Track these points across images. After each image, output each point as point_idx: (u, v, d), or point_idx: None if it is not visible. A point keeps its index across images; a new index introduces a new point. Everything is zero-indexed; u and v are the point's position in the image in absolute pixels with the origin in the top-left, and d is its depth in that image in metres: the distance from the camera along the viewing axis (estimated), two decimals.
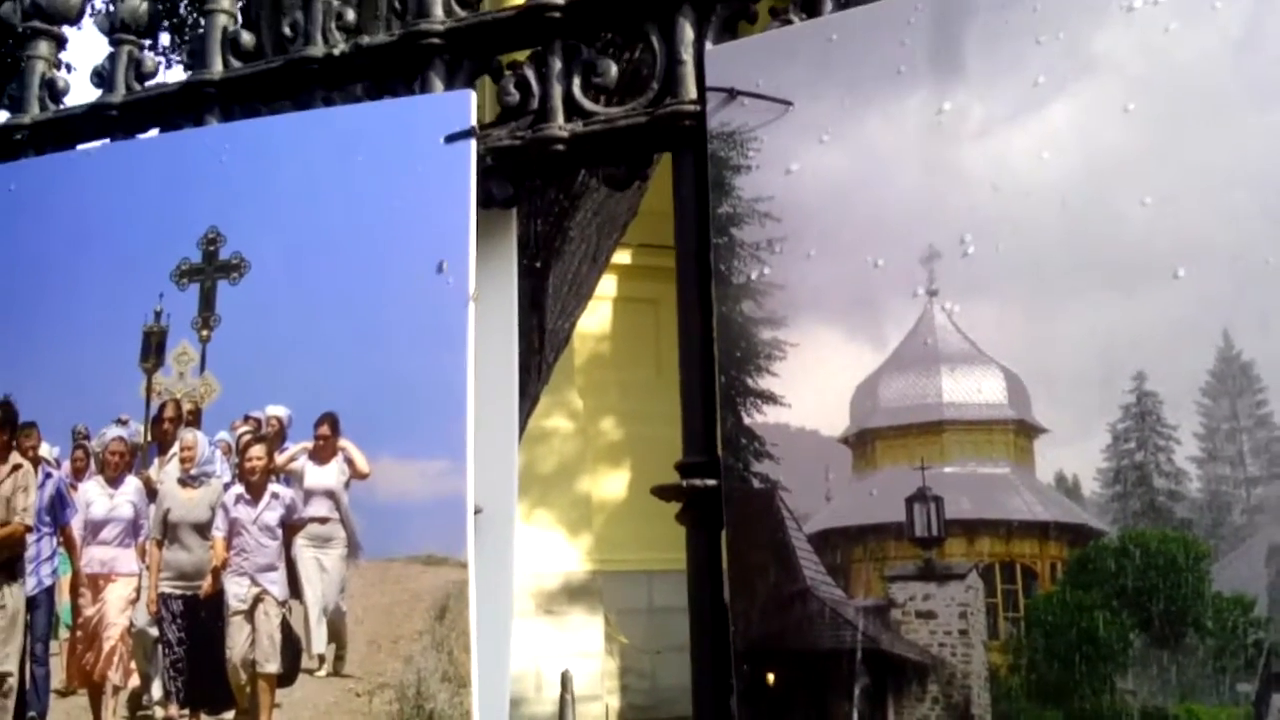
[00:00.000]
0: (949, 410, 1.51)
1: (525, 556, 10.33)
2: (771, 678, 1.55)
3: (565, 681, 1.80)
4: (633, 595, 10.19)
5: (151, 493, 1.94)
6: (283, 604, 1.82)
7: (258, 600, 1.82)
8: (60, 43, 2.48)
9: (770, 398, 1.62)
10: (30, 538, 2.02)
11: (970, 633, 1.44)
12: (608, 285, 11.76)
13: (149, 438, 1.98)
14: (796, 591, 1.55)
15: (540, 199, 4.32)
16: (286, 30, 2.18)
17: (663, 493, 1.70)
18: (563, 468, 11.07)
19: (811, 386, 1.60)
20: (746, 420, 1.62)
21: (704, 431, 1.68)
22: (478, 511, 1.78)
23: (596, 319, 11.82)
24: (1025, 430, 1.45)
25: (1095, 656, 1.37)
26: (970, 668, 1.43)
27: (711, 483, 1.64)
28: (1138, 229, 1.43)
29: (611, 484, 11.39)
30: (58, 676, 1.97)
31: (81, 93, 2.52)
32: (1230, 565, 1.33)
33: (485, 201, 1.92)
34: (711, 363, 1.68)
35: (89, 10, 2.47)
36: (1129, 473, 1.39)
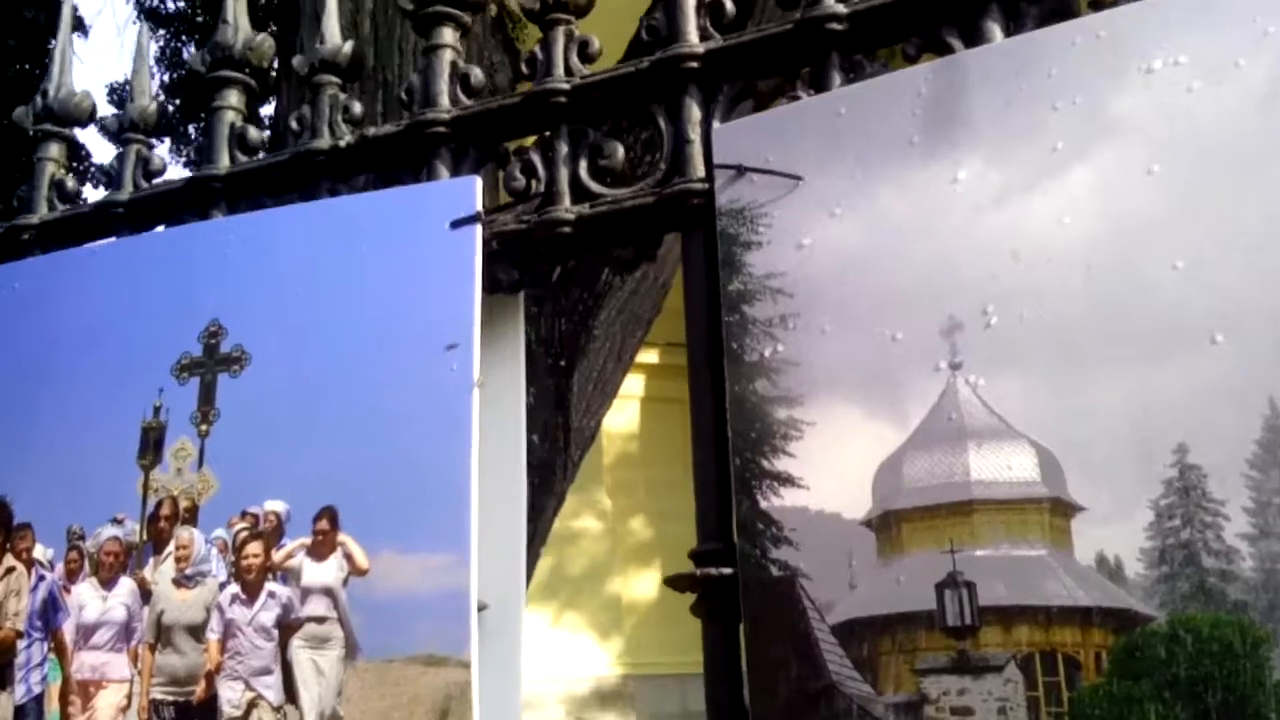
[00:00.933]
0: (978, 489, 1.42)
1: (555, 661, 10.13)
2: None
3: None
4: (665, 699, 9.95)
5: (146, 594, 1.86)
6: (278, 710, 1.72)
7: (252, 706, 1.72)
8: (71, 145, 2.49)
9: (787, 480, 1.53)
10: (21, 643, 1.93)
11: None
12: (635, 384, 11.76)
13: (145, 537, 1.91)
14: (821, 688, 1.45)
15: (565, 298, 4.31)
16: (293, 124, 2.17)
17: (676, 583, 1.61)
18: (592, 569, 10.95)
19: (831, 467, 1.51)
20: (763, 504, 1.54)
21: (719, 517, 1.60)
22: (483, 608, 1.70)
23: (624, 418, 11.79)
24: (1061, 508, 1.36)
25: None
26: None
27: (727, 571, 1.55)
28: (1169, 294, 1.36)
29: (642, 585, 11.21)
30: None
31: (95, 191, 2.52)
32: None
33: (491, 287, 1.88)
34: (725, 445, 1.61)
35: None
36: (1175, 552, 1.29)
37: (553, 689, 10.21)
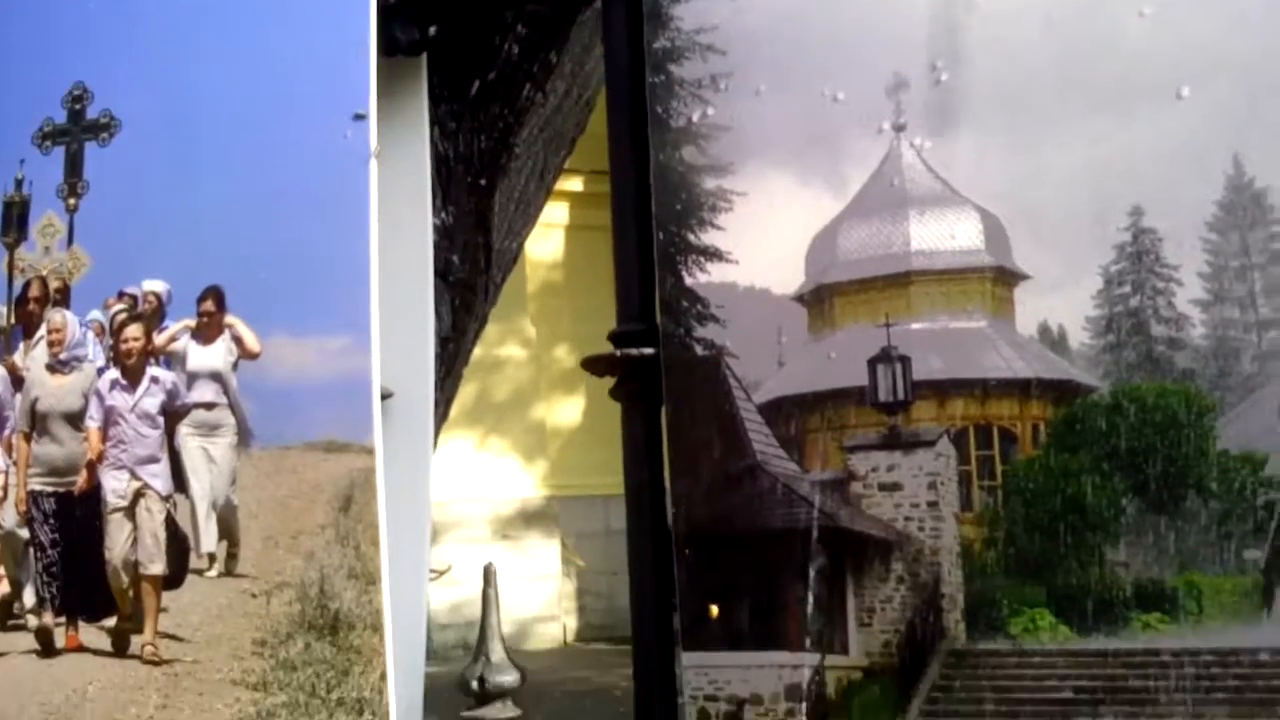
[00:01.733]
0: (918, 259, 1.32)
1: (481, 483, 10.22)
2: (717, 562, 1.37)
3: (488, 576, 1.67)
4: (589, 519, 10.15)
5: (17, 381, 1.71)
6: (166, 499, 1.60)
7: (139, 496, 1.61)
8: None
9: (715, 254, 1.42)
10: None
11: (940, 505, 1.27)
12: (559, 213, 11.50)
13: (12, 320, 1.74)
14: (746, 468, 1.38)
15: (484, 114, 4.08)
16: None
17: (594, 365, 1.51)
18: (517, 395, 10.95)
19: (762, 240, 1.40)
20: (688, 280, 1.43)
21: (641, 296, 1.49)
22: (388, 396, 1.58)
23: (549, 246, 11.59)
24: (1004, 278, 1.28)
25: (1082, 526, 1.21)
26: (940, 543, 1.27)
27: (649, 352, 1.45)
28: (1134, 44, 1.25)
29: (566, 411, 11.26)
30: None
31: None
32: (1238, 419, 1.17)
33: (389, 48, 1.69)
34: (649, 218, 1.48)
35: None
36: (1123, 320, 1.22)
37: (479, 510, 10.35)
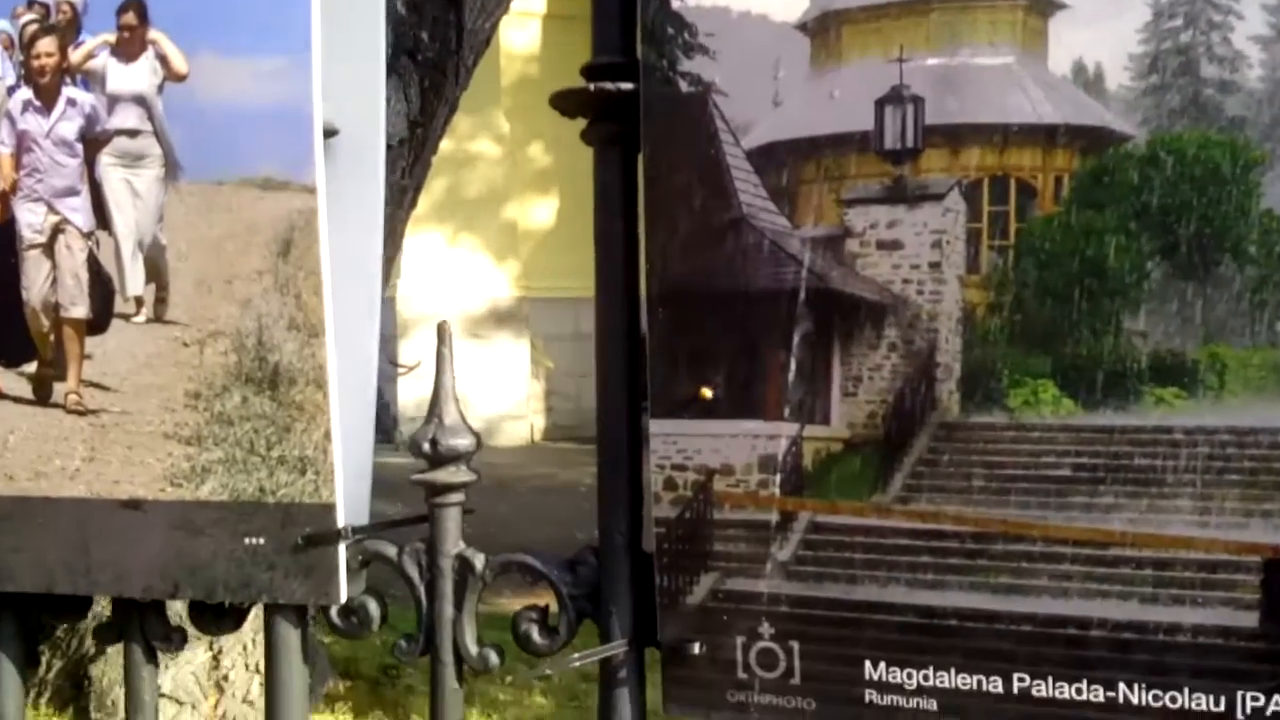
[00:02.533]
0: None
1: (451, 281, 10.09)
2: (692, 324, 1.26)
3: (442, 334, 1.56)
4: (559, 321, 10.12)
5: None
6: (88, 235, 1.46)
7: (57, 231, 1.46)
8: None
9: None
10: None
11: (943, 266, 1.15)
12: (536, 1, 10.95)
13: None
14: (729, 220, 1.24)
15: None
16: None
17: (564, 102, 1.35)
18: (489, 193, 10.73)
19: None
20: (675, 3, 1.26)
21: (621, 22, 1.32)
22: (333, 133, 1.42)
23: (524, 37, 11.11)
24: (1038, 7, 1.12)
25: (1100, 291, 1.09)
26: (940, 307, 1.16)
27: (627, 87, 1.29)
28: None
29: (539, 211, 11.06)
30: None
31: None
32: None
33: None
34: None
35: None
36: (1170, 59, 1.07)
37: (449, 308, 10.24)
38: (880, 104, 1.17)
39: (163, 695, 4.70)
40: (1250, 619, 1.06)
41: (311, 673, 5.21)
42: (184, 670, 4.75)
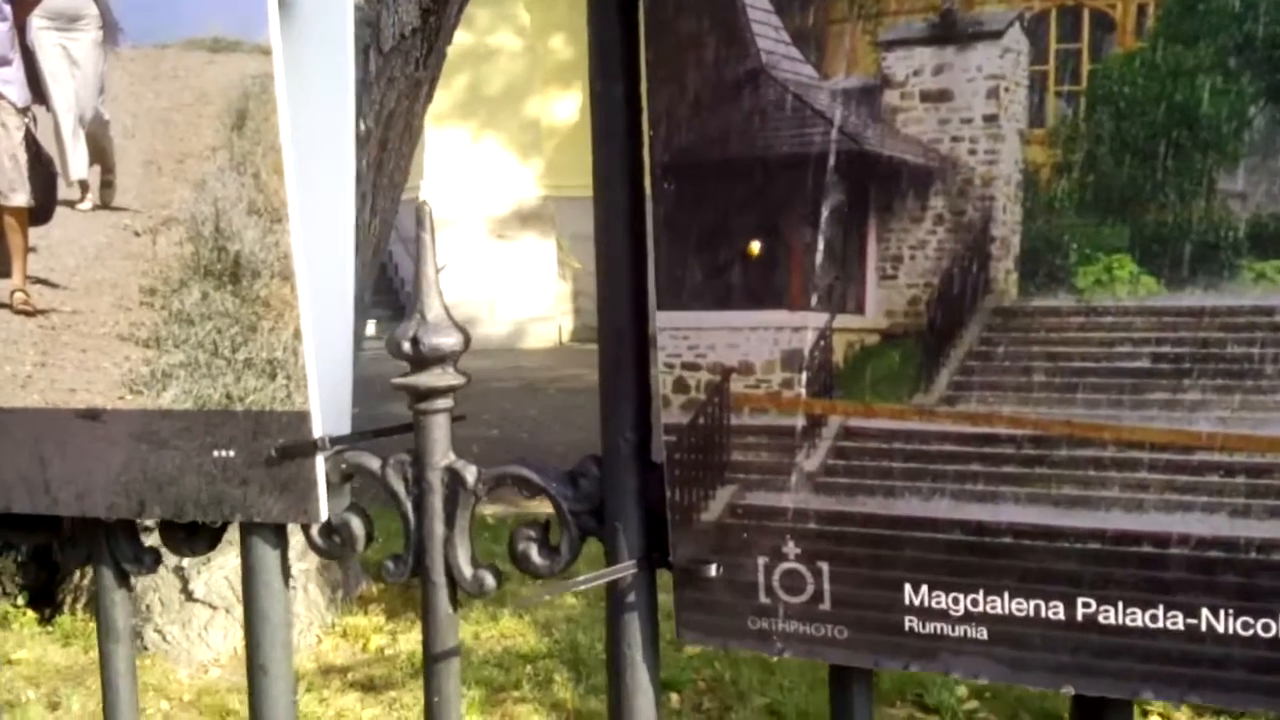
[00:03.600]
0: None
1: (475, 180, 9.92)
2: (704, 197, 1.10)
3: (421, 217, 1.43)
4: (585, 221, 9.93)
5: None
6: (23, 111, 1.32)
7: None
8: None
9: None
10: None
11: (1002, 119, 0.98)
12: None
13: None
14: (745, 73, 1.07)
15: None
16: None
17: None
18: (510, 89, 10.52)
19: None
20: None
21: None
22: None
23: None
24: None
25: (1191, 145, 0.92)
26: (996, 170, 0.99)
27: None
28: None
29: (563, 107, 10.82)
30: None
31: None
32: None
33: None
34: None
35: None
36: None
37: (473, 208, 10.05)
38: None
39: (196, 600, 4.75)
40: None
41: (346, 575, 5.22)
42: (216, 575, 4.77)
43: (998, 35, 0.97)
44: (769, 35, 1.06)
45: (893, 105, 1.02)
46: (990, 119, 0.98)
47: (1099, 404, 0.97)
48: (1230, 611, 0.95)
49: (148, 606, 4.71)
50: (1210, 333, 0.93)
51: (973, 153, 0.99)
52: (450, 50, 4.66)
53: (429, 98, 4.90)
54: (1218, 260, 0.92)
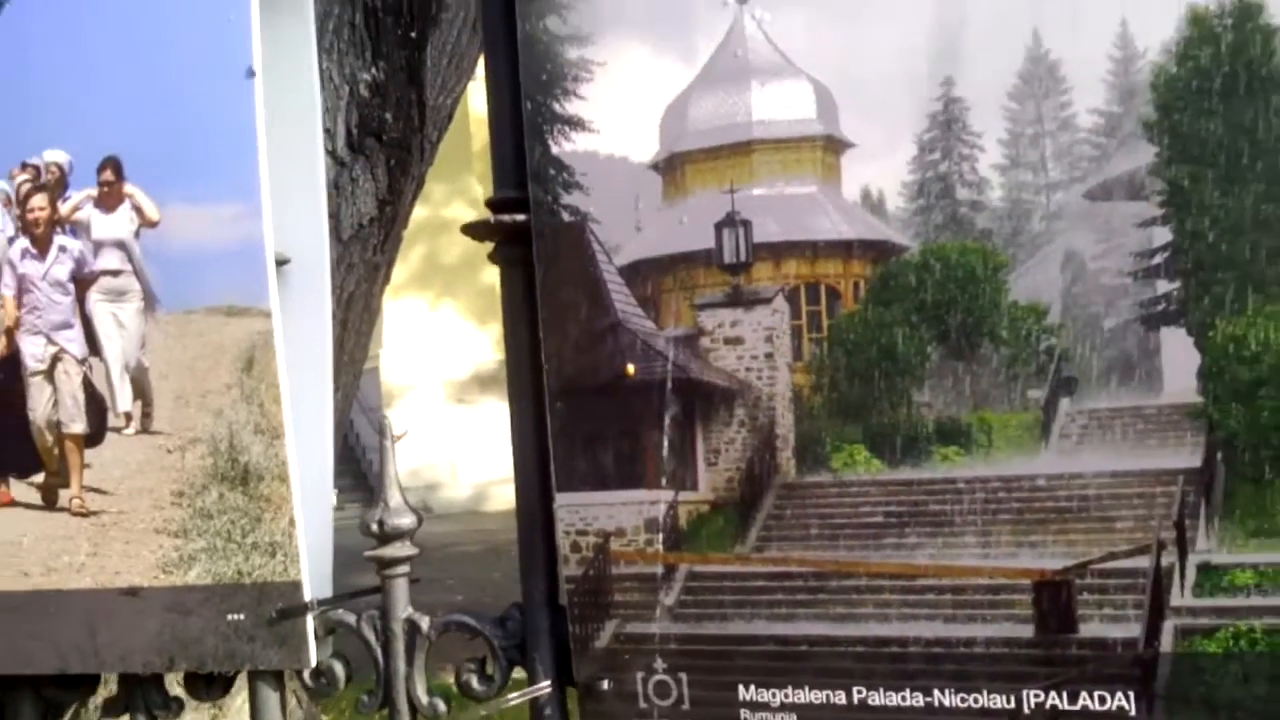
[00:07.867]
0: (758, 129, 1.56)
1: (434, 348, 10.56)
2: (585, 412, 1.66)
3: (384, 429, 1.92)
4: None
5: None
6: (82, 362, 1.88)
7: (56, 359, 1.88)
8: None
9: (578, 123, 1.66)
10: None
11: (775, 356, 1.55)
12: None
13: None
14: (608, 325, 1.65)
15: None
16: None
17: (474, 230, 1.76)
18: (466, 258, 11.23)
19: (620, 109, 1.64)
20: (555, 149, 1.67)
21: (515, 164, 1.73)
22: (284, 262, 1.84)
23: None
24: (833, 146, 1.52)
25: (894, 371, 1.49)
26: (775, 389, 1.55)
27: (521, 218, 1.70)
28: None
29: None
30: None
31: None
32: (1027, 273, 1.43)
33: None
34: (519, 88, 1.71)
35: None
36: (933, 185, 1.47)
37: (433, 375, 10.71)
38: (718, 227, 1.57)
39: None
40: (1027, 630, 1.44)
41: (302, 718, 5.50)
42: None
43: (769, 300, 1.55)
44: (622, 300, 1.64)
45: (706, 347, 1.59)
46: (769, 356, 1.55)
47: (854, 548, 1.52)
48: (952, 690, 1.48)
49: None
50: (918, 496, 1.48)
51: (759, 379, 1.56)
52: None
53: (387, 278, 5.51)
54: (918, 447, 1.48)
